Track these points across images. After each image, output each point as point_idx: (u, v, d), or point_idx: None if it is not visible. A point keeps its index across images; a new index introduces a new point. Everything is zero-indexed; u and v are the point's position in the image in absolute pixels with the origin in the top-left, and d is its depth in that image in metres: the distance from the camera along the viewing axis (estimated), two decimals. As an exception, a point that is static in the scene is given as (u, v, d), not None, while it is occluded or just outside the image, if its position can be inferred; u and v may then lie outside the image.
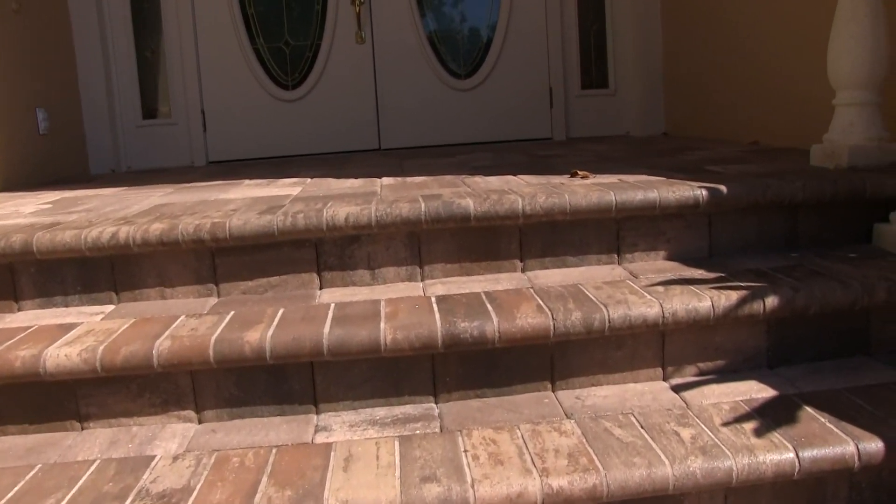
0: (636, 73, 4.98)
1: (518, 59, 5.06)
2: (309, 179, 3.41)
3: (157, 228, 2.28)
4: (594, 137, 5.07)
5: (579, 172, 2.73)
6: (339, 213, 2.28)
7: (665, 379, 2.00)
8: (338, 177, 3.43)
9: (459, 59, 5.09)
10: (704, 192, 2.32)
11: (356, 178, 3.31)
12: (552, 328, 1.89)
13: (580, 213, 2.29)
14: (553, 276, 2.29)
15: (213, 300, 2.33)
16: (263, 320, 2.03)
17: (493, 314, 1.94)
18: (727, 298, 1.96)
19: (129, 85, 5.05)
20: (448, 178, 3.03)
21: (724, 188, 2.33)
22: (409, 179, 3.08)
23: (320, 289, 2.36)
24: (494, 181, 2.81)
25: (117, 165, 5.02)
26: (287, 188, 3.11)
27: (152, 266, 2.33)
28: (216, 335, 1.92)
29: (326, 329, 1.91)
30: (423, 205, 2.29)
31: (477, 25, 5.08)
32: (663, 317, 1.92)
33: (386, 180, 3.11)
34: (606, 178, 2.71)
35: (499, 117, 5.10)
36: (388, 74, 5.04)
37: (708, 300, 1.95)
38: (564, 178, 2.75)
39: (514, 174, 3.00)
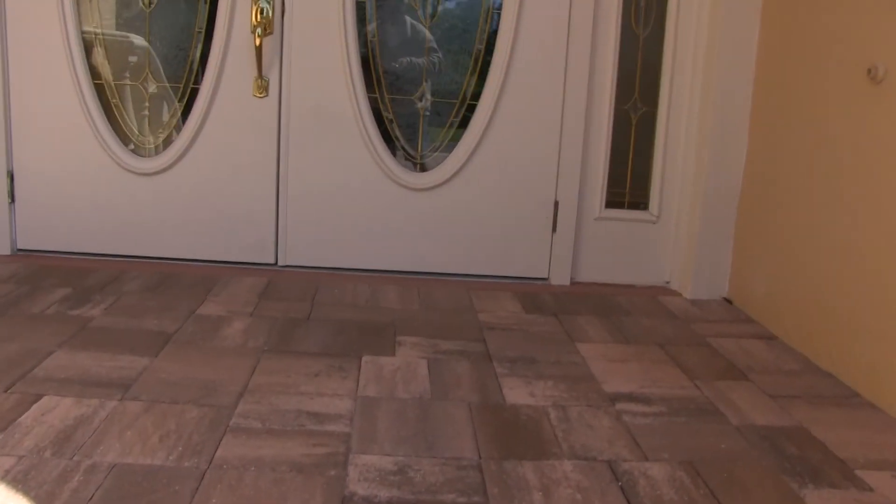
0: (697, 194, 3.03)
1: (510, 148, 3.12)
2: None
3: None
4: (615, 287, 3.16)
5: None
6: None
7: None
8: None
9: (416, 137, 3.14)
10: None
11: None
12: None
13: None
14: None
15: None
16: None
17: None
18: None
19: None
20: None
21: None
22: None
23: None
24: None
25: None
26: None
27: None
28: None
29: None
30: None
31: (451, 87, 3.12)
32: None
33: None
34: None
35: (470, 238, 3.17)
36: (300, 149, 3.12)
37: None
38: None
39: None
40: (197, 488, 1.58)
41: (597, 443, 1.86)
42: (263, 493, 1.58)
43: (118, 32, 3.15)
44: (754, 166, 2.93)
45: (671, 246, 3.20)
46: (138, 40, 3.12)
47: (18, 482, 1.57)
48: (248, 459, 1.71)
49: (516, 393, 2.12)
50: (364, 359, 2.31)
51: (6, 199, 3.20)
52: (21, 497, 1.52)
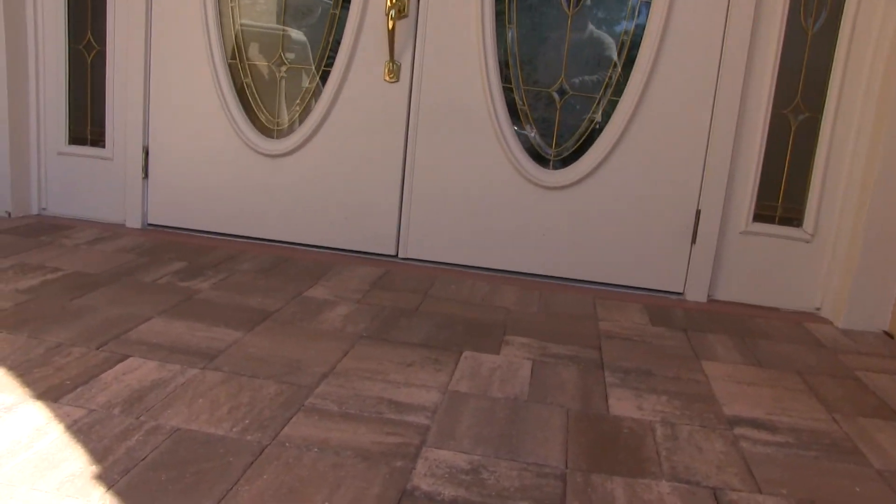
0: (861, 213, 2.69)
1: (651, 149, 2.86)
2: None
3: None
4: (757, 308, 2.85)
5: None
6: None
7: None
8: None
9: (551, 132, 2.95)
10: None
11: None
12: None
13: None
14: None
15: None
16: None
17: None
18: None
19: (54, 89, 3.31)
20: None
21: None
22: None
23: None
24: None
25: (24, 206, 3.32)
26: None
27: None
28: None
29: None
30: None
31: (589, 88, 2.92)
32: None
33: None
34: None
35: (601, 243, 2.93)
36: (429, 137, 2.98)
37: None
38: None
39: None
40: (252, 463, 1.46)
41: (704, 467, 1.60)
42: (318, 476, 1.44)
43: (257, 23, 3.14)
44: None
45: (825, 268, 2.85)
46: (273, 21, 3.09)
47: (81, 433, 1.52)
48: (314, 440, 1.57)
49: (623, 405, 1.88)
50: (464, 354, 2.14)
51: (140, 175, 3.25)
52: (78, 447, 1.48)
